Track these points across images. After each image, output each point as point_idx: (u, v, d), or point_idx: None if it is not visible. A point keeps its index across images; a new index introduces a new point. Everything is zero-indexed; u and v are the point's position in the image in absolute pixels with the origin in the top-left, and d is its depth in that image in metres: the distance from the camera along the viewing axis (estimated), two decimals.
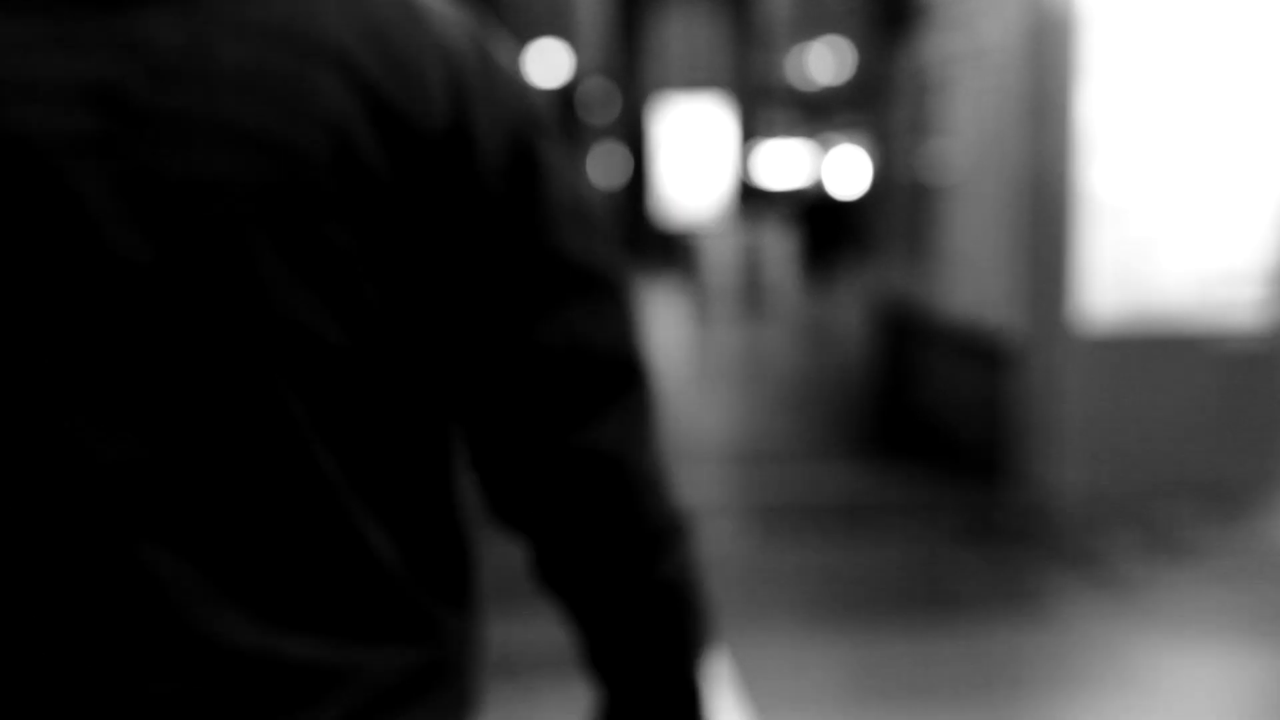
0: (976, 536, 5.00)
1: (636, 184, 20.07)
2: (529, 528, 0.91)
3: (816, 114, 20.84)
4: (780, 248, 13.56)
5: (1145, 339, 5.11)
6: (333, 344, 0.80)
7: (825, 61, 20.59)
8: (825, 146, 20.85)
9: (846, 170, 20.55)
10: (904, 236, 6.85)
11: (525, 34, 19.94)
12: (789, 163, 20.75)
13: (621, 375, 0.91)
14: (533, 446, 0.87)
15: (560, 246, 0.87)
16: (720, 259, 13.43)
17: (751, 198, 19.98)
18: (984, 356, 5.46)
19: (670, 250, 19.21)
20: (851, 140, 20.69)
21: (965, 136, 5.78)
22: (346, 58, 0.79)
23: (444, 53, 0.83)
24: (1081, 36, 4.98)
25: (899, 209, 7.06)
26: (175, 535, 0.79)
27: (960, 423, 5.68)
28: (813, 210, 16.33)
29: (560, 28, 20.16)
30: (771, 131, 20.60)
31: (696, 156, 20.12)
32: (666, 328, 12.55)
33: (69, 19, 0.77)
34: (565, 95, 20.77)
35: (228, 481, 0.79)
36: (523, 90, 0.87)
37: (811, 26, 20.52)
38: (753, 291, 13.48)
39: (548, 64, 20.02)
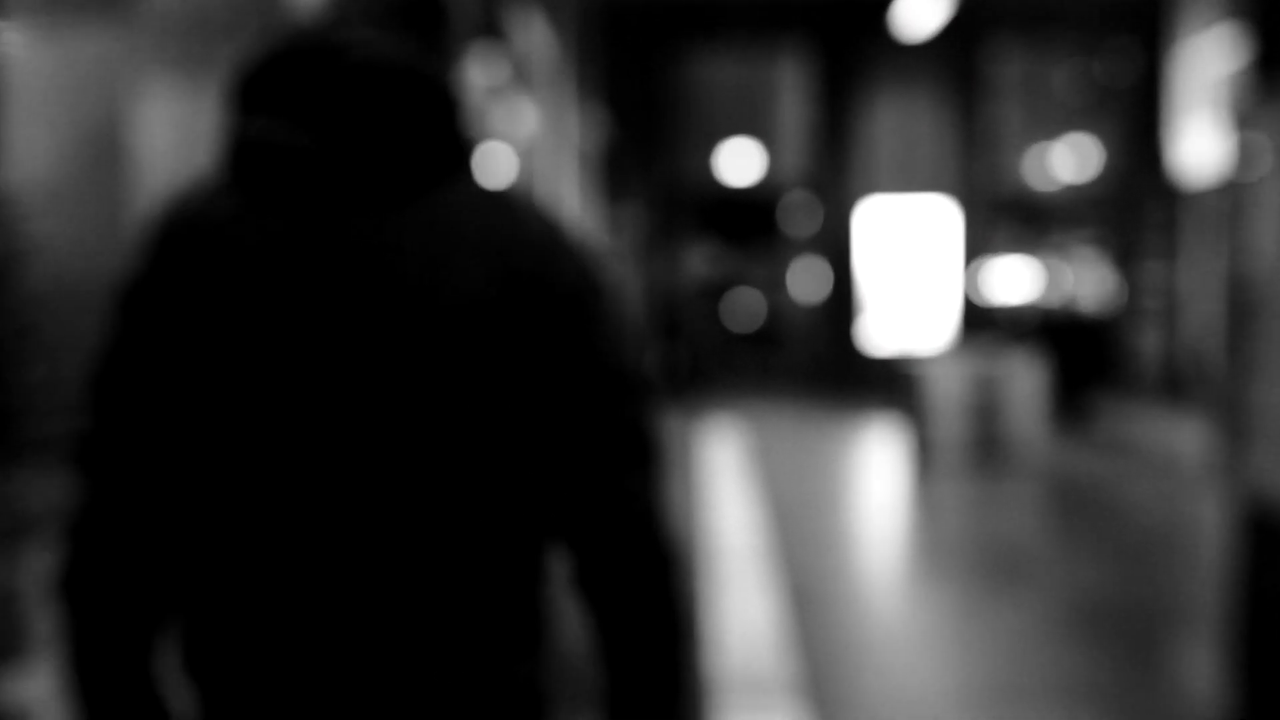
0: None
1: (842, 301, 17.34)
2: (581, 542, 1.30)
3: (1055, 221, 17.81)
4: (1027, 381, 10.58)
5: None
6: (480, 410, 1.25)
7: (1067, 162, 17.60)
8: (1066, 259, 17.75)
9: (1097, 285, 17.38)
10: None
11: (719, 133, 17.69)
12: (1023, 278, 17.71)
13: (650, 449, 1.32)
14: (593, 487, 1.29)
15: (609, 360, 1.31)
16: (946, 393, 10.55)
17: (979, 319, 16.99)
18: None
19: (881, 380, 16.38)
20: (1100, 250, 17.55)
21: None
22: (484, 245, 1.27)
23: (536, 247, 1.28)
24: None
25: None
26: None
27: None
28: (1062, 334, 13.26)
29: (759, 128, 17.83)
30: (1001, 242, 17.65)
31: (912, 271, 17.31)
32: (871, 485, 9.67)
33: (313, 220, 1.25)
34: (762, 202, 18.37)
35: None
36: (585, 266, 1.31)
37: (1049, 124, 17.62)
38: (989, 438, 10.50)
39: (742, 166, 17.68)
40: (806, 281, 18.02)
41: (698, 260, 19.06)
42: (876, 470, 10.48)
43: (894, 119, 17.29)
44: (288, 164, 1.22)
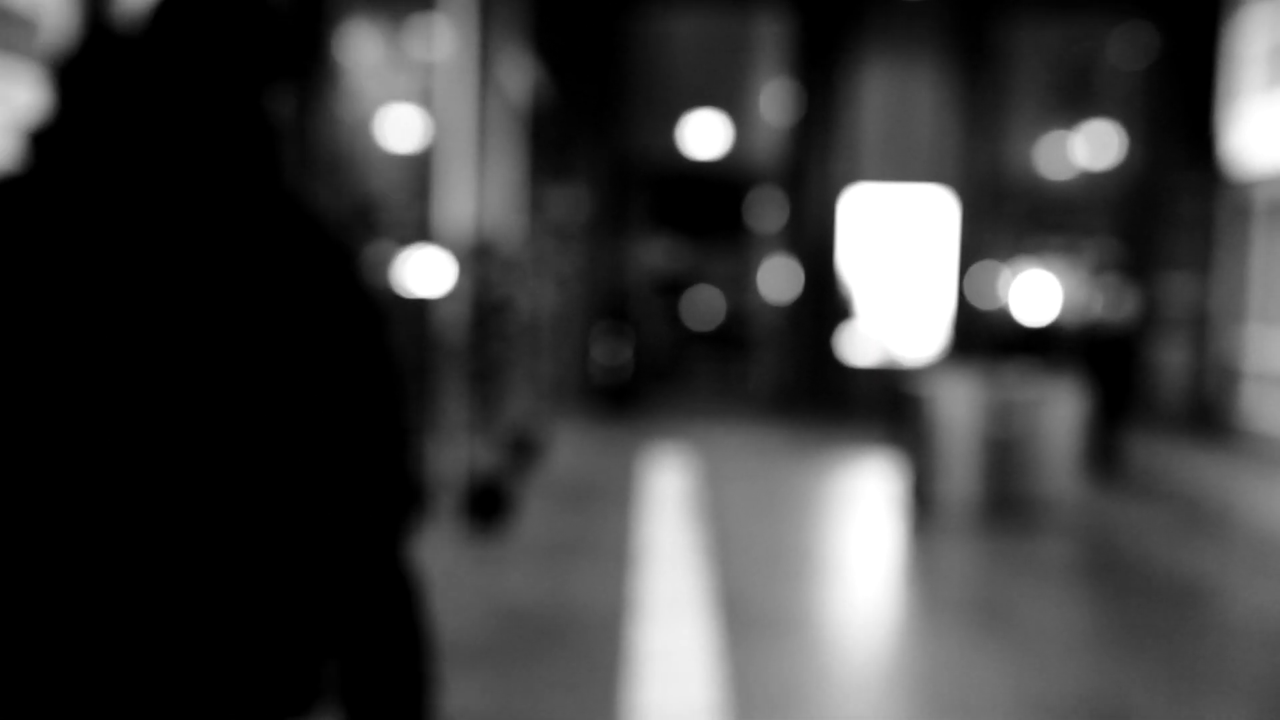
0: None
1: (819, 304, 14.83)
2: (326, 572, 1.35)
3: (1069, 217, 15.39)
4: (1060, 410, 8.10)
5: None
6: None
7: (1084, 150, 15.19)
8: (1081, 261, 15.32)
9: (1115, 293, 14.95)
10: None
11: (680, 104, 15.19)
12: (1031, 282, 15.27)
13: (404, 486, 1.38)
14: (340, 521, 1.33)
15: (372, 390, 1.34)
16: (958, 423, 8.07)
17: (978, 328, 14.55)
18: None
19: (867, 398, 13.91)
20: (1120, 252, 15.13)
21: None
22: (261, 265, 1.28)
23: (321, 278, 1.32)
24: None
25: None
26: None
27: None
28: (1085, 350, 10.79)
29: (726, 99, 15.33)
30: (1006, 240, 15.21)
31: (902, 272, 14.83)
32: (853, 549, 7.13)
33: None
34: (729, 186, 15.89)
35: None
36: (364, 297, 1.35)
37: (1066, 104, 15.19)
38: (1012, 483, 8.02)
39: (707, 144, 15.18)
40: (778, 280, 15.52)
41: (652, 251, 16.50)
42: (861, 526, 7.95)
43: (885, 93, 14.80)
44: (80, 165, 1.27)
